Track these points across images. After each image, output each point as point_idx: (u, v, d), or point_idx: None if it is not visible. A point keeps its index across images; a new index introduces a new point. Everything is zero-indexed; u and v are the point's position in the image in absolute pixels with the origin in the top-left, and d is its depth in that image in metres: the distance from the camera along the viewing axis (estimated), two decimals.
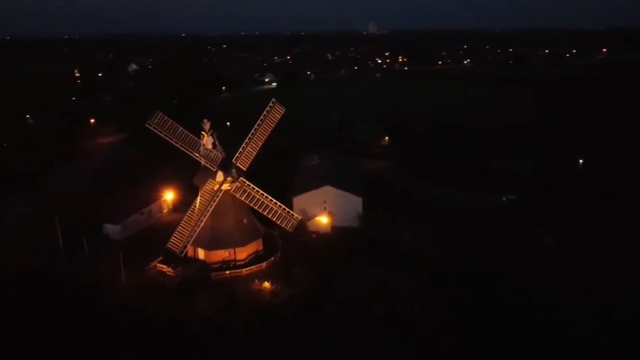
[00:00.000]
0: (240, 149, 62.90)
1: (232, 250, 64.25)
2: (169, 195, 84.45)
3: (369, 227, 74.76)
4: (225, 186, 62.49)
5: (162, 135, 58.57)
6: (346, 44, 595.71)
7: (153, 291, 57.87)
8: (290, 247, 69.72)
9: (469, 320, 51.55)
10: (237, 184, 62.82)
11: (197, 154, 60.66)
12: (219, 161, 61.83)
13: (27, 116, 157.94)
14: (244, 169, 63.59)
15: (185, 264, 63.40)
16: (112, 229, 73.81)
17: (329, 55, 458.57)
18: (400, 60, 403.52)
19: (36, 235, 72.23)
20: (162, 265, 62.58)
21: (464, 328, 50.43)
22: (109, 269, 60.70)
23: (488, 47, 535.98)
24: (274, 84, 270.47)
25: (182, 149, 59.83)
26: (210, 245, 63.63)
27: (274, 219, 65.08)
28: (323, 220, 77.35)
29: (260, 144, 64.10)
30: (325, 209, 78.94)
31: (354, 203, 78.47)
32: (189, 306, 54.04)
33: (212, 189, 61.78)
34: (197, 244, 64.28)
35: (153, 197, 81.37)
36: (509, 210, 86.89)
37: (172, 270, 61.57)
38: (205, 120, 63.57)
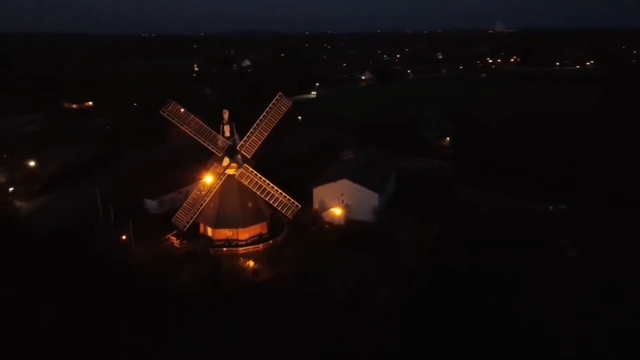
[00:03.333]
0: (245, 138, 68.30)
1: (235, 230, 70.07)
2: (209, 179, 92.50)
3: (381, 222, 76.25)
4: (231, 171, 68.42)
5: (174, 122, 65.87)
6: (463, 42, 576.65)
7: (159, 258, 65.55)
8: (299, 234, 73.66)
9: (420, 318, 51.98)
10: (241, 170, 68.35)
11: (205, 141, 67.09)
12: (225, 148, 67.84)
13: (135, 104, 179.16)
14: (249, 157, 68.88)
15: (194, 239, 70.65)
16: (150, 204, 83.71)
17: (439, 54, 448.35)
18: (513, 60, 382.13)
19: (89, 205, 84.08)
20: (173, 238, 70.32)
21: (413, 324, 51.09)
22: (128, 236, 69.67)
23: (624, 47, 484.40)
24: (371, 82, 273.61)
25: (192, 135, 66.64)
26: (216, 224, 70.07)
27: (275, 205, 69.71)
28: (337, 211, 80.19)
29: (266, 134, 68.99)
30: (342, 201, 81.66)
31: (370, 198, 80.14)
32: (178, 273, 60.81)
33: (218, 172, 68.06)
34: (205, 222, 71.28)
35: (192, 178, 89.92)
36: (550, 220, 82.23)
37: (178, 243, 69.06)
38: (225, 110, 70.25)
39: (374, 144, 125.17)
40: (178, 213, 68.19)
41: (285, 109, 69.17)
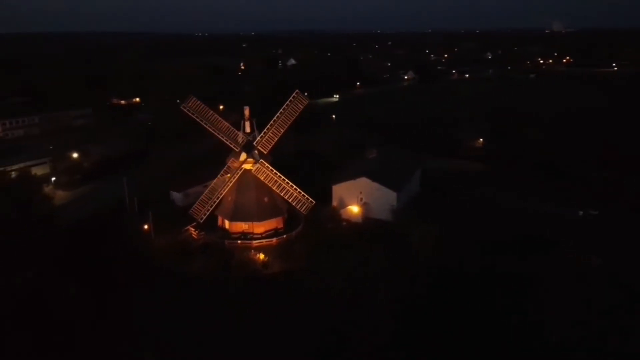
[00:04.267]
0: (262, 134, 70.04)
1: (251, 223, 72.02)
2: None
3: (397, 221, 76.41)
4: (247, 166, 70.37)
5: (194, 117, 68.43)
6: (516, 42, 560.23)
7: (175, 247, 68.47)
8: (315, 230, 74.74)
9: (416, 315, 52.17)
10: (258, 165, 70.20)
11: (222, 136, 69.33)
12: (242, 143, 69.90)
13: (177, 101, 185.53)
14: (265, 152, 70.62)
15: (212, 231, 73.19)
16: (176, 196, 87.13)
17: (488, 54, 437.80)
18: (565, 60, 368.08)
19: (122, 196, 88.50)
20: (192, 229, 73.10)
21: (408, 321, 51.34)
22: (149, 226, 73.02)
23: None
24: (413, 82, 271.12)
25: (210, 130, 69.02)
26: (232, 217, 72.28)
27: (289, 200, 71.19)
28: (354, 209, 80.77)
29: (282, 131, 70.43)
30: (361, 199, 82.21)
31: (388, 196, 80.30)
32: (190, 262, 63.50)
33: (234, 166, 70.23)
34: (223, 215, 73.66)
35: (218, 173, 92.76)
36: (579, 225, 79.73)
37: (196, 234, 71.76)
38: (245, 107, 72.49)
39: (403, 143, 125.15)
40: (195, 205, 70.90)
41: (302, 107, 70.50)
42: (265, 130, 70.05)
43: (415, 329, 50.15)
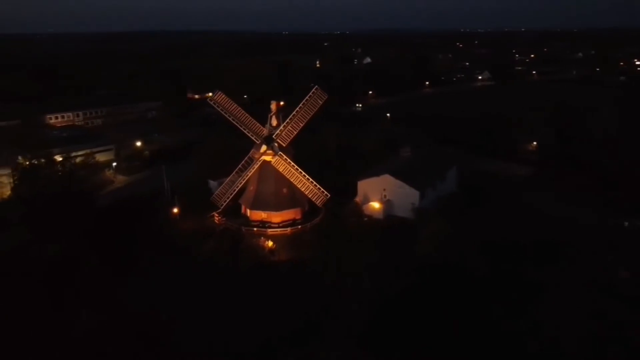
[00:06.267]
0: (282, 128, 73.06)
1: (269, 213, 75.42)
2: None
3: (417, 219, 76.47)
4: (267, 157, 73.73)
5: (219, 110, 72.91)
6: (617, 41, 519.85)
7: (198, 230, 73.51)
8: (333, 223, 76.61)
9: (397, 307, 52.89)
10: (277, 157, 73.33)
11: (244, 128, 73.20)
12: (263, 135, 73.39)
13: (245, 96, 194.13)
14: (284, 145, 73.57)
15: (235, 217, 77.50)
16: (212, 184, 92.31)
17: (579, 54, 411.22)
18: None
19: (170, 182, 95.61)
20: (216, 215, 77.85)
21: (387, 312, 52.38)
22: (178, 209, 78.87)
23: None
24: (488, 83, 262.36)
25: (233, 122, 73.15)
26: (252, 205, 76.16)
27: (306, 193, 73.72)
28: (375, 205, 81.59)
29: (301, 125, 73.08)
30: (385, 196, 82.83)
31: (410, 195, 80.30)
32: (206, 244, 68.18)
33: (255, 157, 73.92)
34: (245, 203, 77.69)
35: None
36: (621, 236, 75.14)
37: (218, 220, 76.40)
38: (272, 101, 76.16)
39: (455, 144, 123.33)
40: (216, 192, 75.51)
41: (321, 102, 72.60)
42: (284, 124, 73.00)
43: (391, 321, 50.76)
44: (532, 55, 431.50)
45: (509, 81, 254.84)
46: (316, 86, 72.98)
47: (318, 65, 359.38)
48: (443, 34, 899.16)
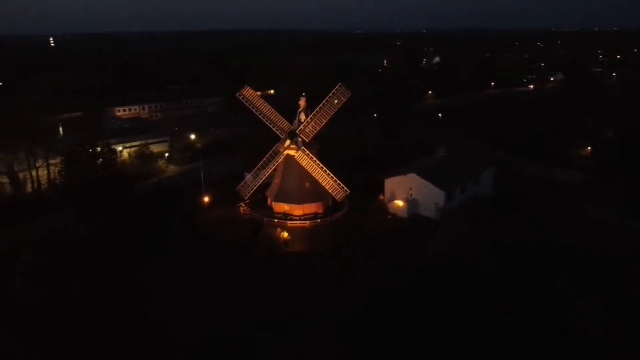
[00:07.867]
0: (305, 123, 75.12)
1: (291, 205, 77.82)
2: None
3: (440, 220, 75.92)
4: (291, 152, 76.10)
5: (247, 105, 76.22)
6: None
7: (224, 218, 77.47)
8: (356, 219, 77.69)
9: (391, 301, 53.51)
10: (300, 152, 75.53)
11: (270, 123, 75.99)
12: (287, 130, 75.85)
13: (304, 94, 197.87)
14: (307, 140, 75.57)
15: (260, 208, 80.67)
16: (247, 176, 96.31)
17: None
18: None
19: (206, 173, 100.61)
20: (243, 205, 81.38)
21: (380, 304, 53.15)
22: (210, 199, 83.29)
23: None
24: (558, 84, 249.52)
25: (260, 117, 76.16)
26: (276, 197, 78.91)
27: (326, 187, 75.40)
28: (400, 203, 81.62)
29: (324, 121, 74.70)
30: (411, 195, 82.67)
31: (436, 195, 79.65)
32: (227, 232, 71.89)
33: (279, 151, 76.60)
34: (270, 195, 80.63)
35: None
36: None
37: (244, 210, 79.90)
38: (301, 98, 78.61)
39: (503, 146, 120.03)
40: (242, 184, 79.02)
41: (344, 99, 73.81)
42: (307, 120, 75.01)
43: (377, 318, 51.35)
44: (618, 57, 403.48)
45: (581, 83, 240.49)
46: (340, 83, 74.23)
47: (385, 65, 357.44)
48: (526, 34, 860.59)
